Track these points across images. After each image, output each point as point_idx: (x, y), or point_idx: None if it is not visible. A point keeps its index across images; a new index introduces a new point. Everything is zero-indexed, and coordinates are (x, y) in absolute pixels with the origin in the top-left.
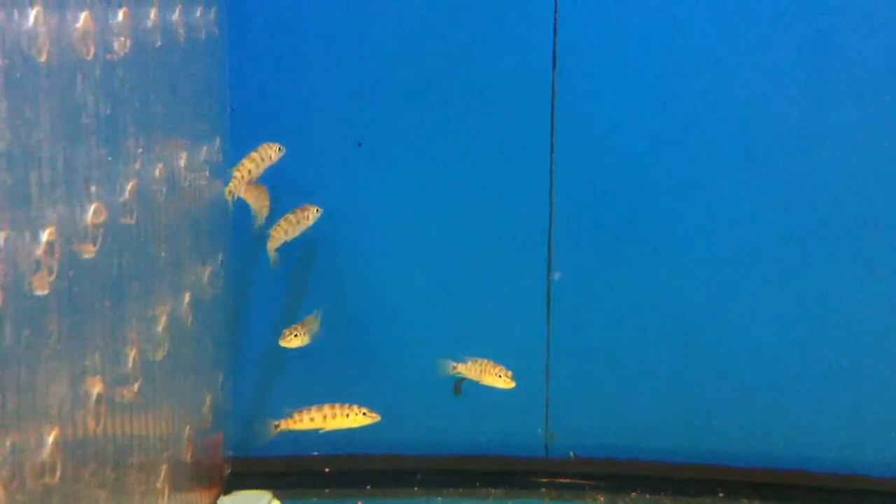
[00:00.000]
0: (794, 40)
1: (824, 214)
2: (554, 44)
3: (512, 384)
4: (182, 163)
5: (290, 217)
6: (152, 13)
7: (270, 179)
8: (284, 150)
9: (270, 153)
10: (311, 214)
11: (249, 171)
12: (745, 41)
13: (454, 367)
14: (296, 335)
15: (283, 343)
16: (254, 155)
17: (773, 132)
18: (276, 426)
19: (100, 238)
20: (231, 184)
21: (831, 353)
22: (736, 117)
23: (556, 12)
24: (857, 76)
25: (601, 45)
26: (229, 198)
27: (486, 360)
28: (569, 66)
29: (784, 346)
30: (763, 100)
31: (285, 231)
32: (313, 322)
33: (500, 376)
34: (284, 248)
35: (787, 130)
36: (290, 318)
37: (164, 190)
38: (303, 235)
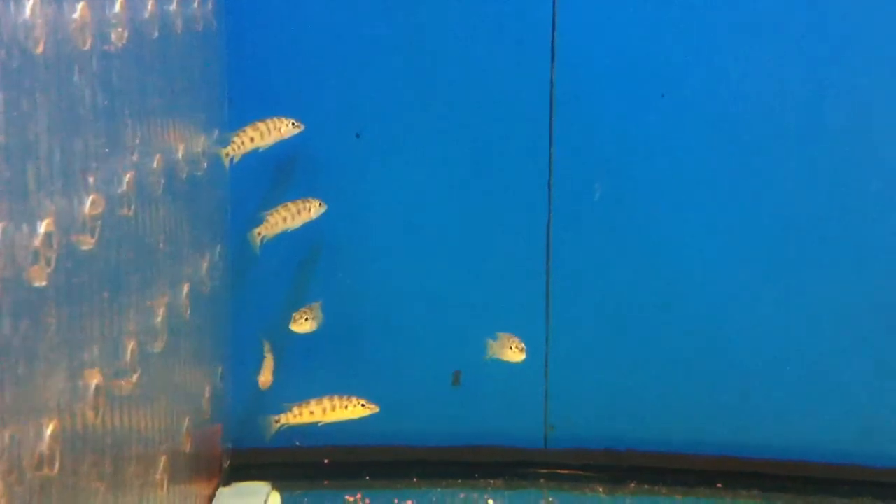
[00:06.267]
0: (795, 32)
1: (824, 209)
2: (552, 37)
3: (522, 356)
4: (180, 154)
5: (290, 206)
6: (150, 4)
7: (269, 171)
8: (302, 127)
9: (281, 126)
10: (314, 208)
11: (252, 139)
12: (745, 32)
13: (491, 347)
14: (306, 319)
15: (293, 327)
16: (260, 125)
17: (774, 124)
18: (277, 421)
19: (98, 230)
20: (228, 147)
21: (831, 345)
22: (736, 109)
23: (554, 5)
24: (857, 69)
25: (600, 38)
26: (225, 160)
27: (506, 335)
28: (567, 58)
29: (784, 338)
30: (763, 92)
31: (284, 219)
32: (317, 309)
33: (511, 348)
34: (282, 239)
35: (787, 124)
36: (289, 310)
37: (162, 181)
38: (301, 228)
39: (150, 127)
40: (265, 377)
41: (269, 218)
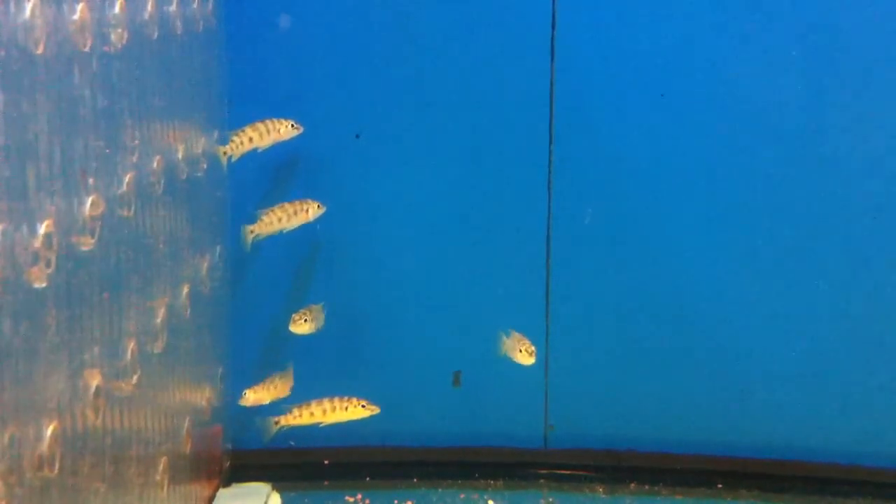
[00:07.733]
0: (794, 29)
1: (824, 206)
2: (552, 37)
3: (531, 360)
4: (180, 155)
5: (287, 206)
6: (149, 5)
7: (269, 172)
8: (302, 129)
9: (280, 128)
10: (312, 209)
11: (251, 139)
12: (743, 31)
13: (504, 343)
14: (305, 320)
15: (292, 328)
16: (259, 125)
17: (773, 122)
18: (277, 422)
19: (98, 230)
20: (226, 146)
21: (829, 345)
22: (735, 108)
23: (554, 5)
24: (857, 65)
25: (599, 38)
26: (223, 159)
27: (518, 335)
28: (567, 58)
29: (784, 338)
30: (762, 90)
31: (279, 218)
32: (318, 311)
33: (521, 351)
34: (282, 240)
35: (787, 121)
36: (289, 310)
37: (161, 182)
38: (300, 228)
39: (150, 128)
40: (259, 395)
41: (264, 217)
